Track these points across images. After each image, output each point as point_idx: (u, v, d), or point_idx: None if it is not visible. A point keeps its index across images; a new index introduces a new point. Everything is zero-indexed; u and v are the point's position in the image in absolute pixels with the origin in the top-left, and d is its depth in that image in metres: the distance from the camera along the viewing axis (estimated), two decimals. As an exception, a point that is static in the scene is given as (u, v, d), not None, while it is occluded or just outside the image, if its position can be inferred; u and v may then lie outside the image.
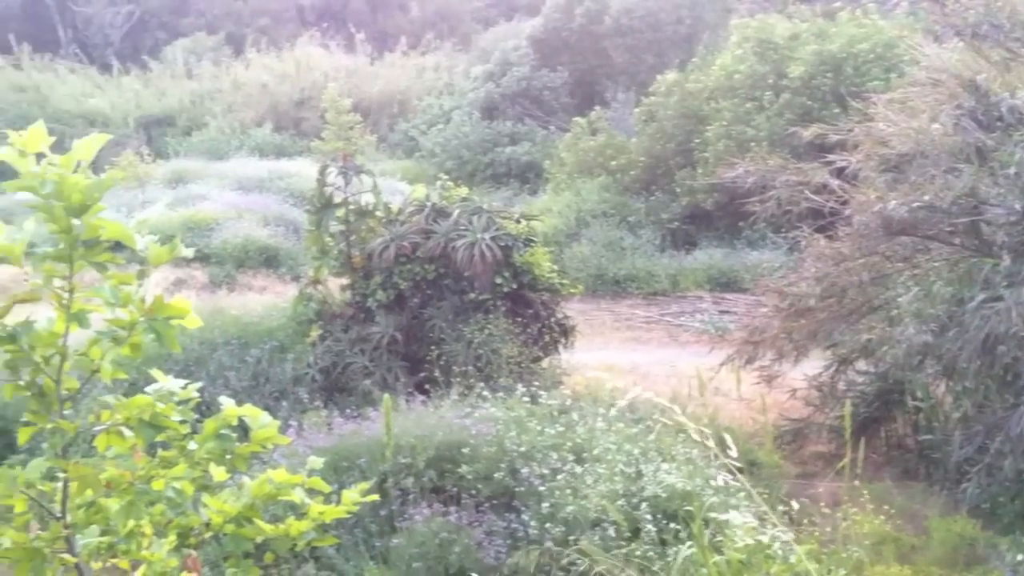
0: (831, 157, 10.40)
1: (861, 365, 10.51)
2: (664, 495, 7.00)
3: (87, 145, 2.89)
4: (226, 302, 12.86)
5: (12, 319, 2.99)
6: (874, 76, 18.04)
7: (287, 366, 10.40)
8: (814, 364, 10.63)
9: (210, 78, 39.37)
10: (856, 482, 7.36)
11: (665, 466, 7.26)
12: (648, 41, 30.28)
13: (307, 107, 35.08)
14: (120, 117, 35.39)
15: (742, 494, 5.45)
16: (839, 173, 10.26)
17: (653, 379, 12.52)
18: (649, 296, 18.00)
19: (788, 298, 10.14)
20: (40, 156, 2.89)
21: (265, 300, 13.64)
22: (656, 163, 21.10)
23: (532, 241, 10.90)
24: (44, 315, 3.07)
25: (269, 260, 19.19)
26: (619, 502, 6.91)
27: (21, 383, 2.99)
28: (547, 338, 10.92)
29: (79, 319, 2.93)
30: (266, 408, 3.48)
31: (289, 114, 35.42)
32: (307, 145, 30.04)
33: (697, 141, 20.19)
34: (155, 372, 3.28)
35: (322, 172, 10.94)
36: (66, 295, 2.92)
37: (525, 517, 7.19)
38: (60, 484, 3.07)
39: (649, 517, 6.76)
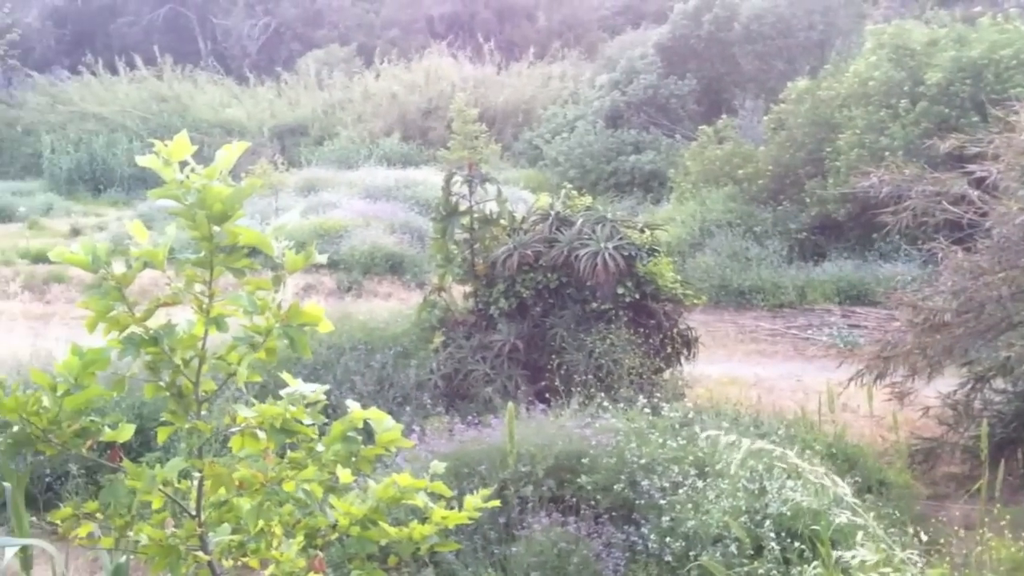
0: (970, 167, 10.02)
1: (999, 383, 10.08)
2: (789, 513, 6.85)
3: (229, 155, 3.00)
4: (353, 308, 13.12)
5: (153, 322, 3.12)
6: (1017, 83, 17.29)
7: (411, 372, 10.54)
8: (949, 381, 10.24)
9: (341, 88, 40.37)
10: (995, 506, 7.05)
11: (790, 483, 7.10)
12: (778, 48, 29.74)
13: (434, 117, 35.63)
14: (255, 126, 36.59)
15: (871, 515, 5.28)
16: (979, 184, 9.88)
17: (778, 393, 12.28)
18: (775, 308, 17.63)
19: (922, 312, 9.79)
20: (183, 164, 3.01)
21: (390, 306, 13.87)
22: (785, 172, 20.67)
23: (656, 251, 10.80)
24: (179, 318, 3.20)
25: (394, 267, 19.56)
26: (742, 519, 6.78)
27: (161, 384, 3.13)
28: (669, 349, 10.80)
29: (218, 323, 3.04)
30: (390, 412, 3.55)
31: (417, 124, 36.02)
32: (433, 154, 30.53)
33: (828, 150, 19.70)
34: (285, 376, 3.38)
35: (448, 180, 11.06)
36: (206, 300, 3.04)
37: (645, 530, 7.12)
38: (195, 483, 3.19)
39: (773, 535, 6.61)
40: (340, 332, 10.94)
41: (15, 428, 3.00)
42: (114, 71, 41.55)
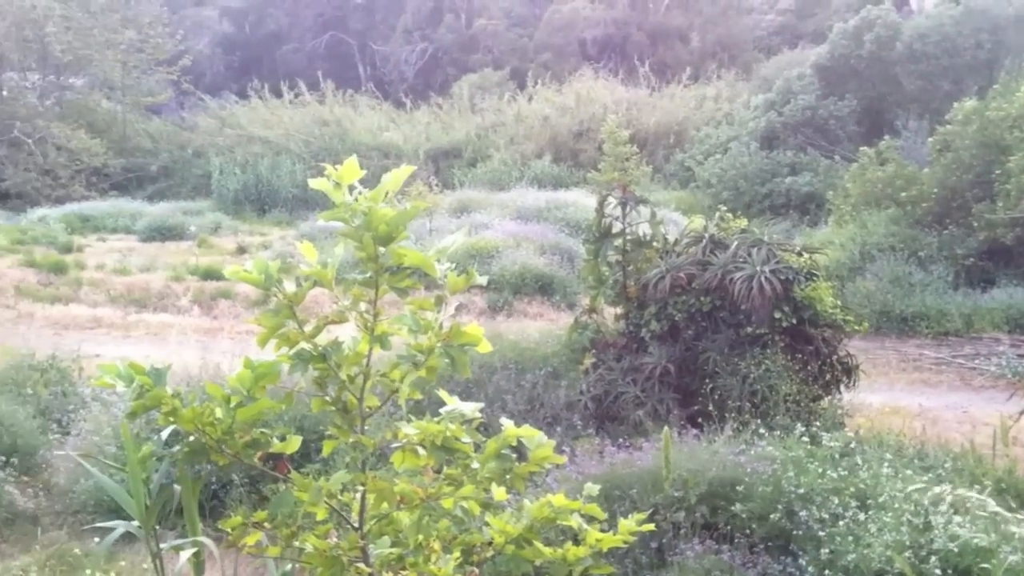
0: None
1: None
2: (956, 550, 6.53)
3: (394, 178, 3.08)
4: (503, 327, 13.25)
5: (320, 339, 3.22)
6: None
7: (560, 392, 10.55)
8: None
9: (494, 112, 40.98)
10: None
11: (957, 518, 6.77)
12: (943, 67, 28.66)
13: (585, 139, 35.78)
14: (411, 149, 37.45)
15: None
16: None
17: (943, 424, 11.74)
18: (939, 336, 16.92)
19: (1103, 344, 9.23)
20: (351, 187, 3.11)
21: (539, 326, 13.95)
22: (951, 195, 19.87)
23: (814, 275, 10.51)
24: (340, 335, 3.29)
25: (544, 288, 19.65)
26: (906, 553, 6.51)
27: (327, 399, 3.22)
28: (828, 376, 10.48)
29: (381, 341, 3.12)
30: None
31: (568, 146, 36.24)
32: (584, 176, 30.63)
33: (998, 172, 18.84)
34: (442, 394, 3.43)
35: (602, 203, 11.06)
36: (370, 318, 3.12)
37: (802, 562, 6.93)
38: (358, 496, 3.27)
39: (938, 572, 6.32)
40: (492, 351, 11.02)
41: (191, 438, 3.15)
42: (279, 96, 43.28)
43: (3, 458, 9.37)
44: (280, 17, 57.67)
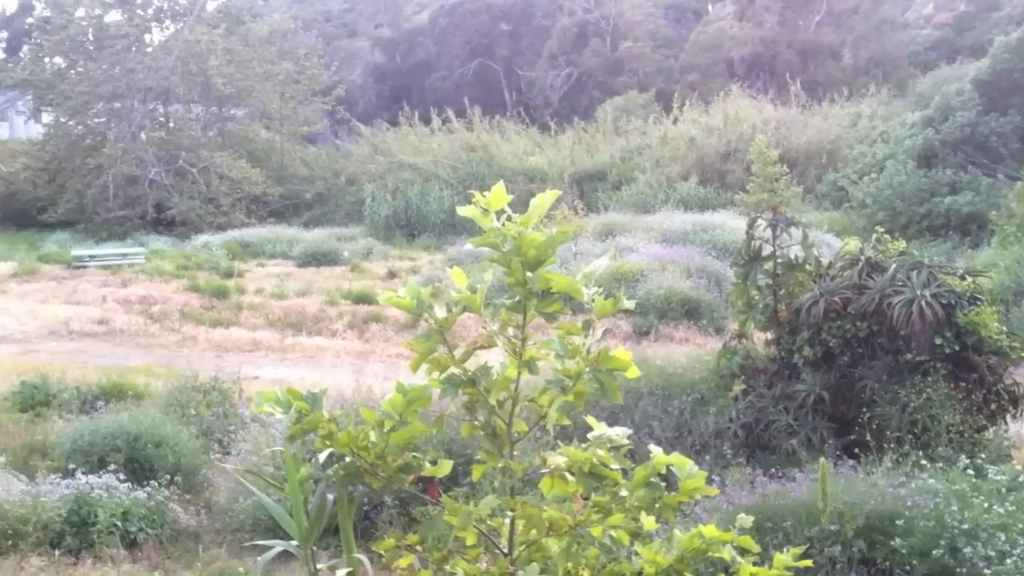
0: None
1: None
2: None
3: (541, 203, 3.09)
4: (650, 352, 13.10)
5: (469, 363, 3.25)
6: None
7: (709, 419, 10.35)
8: None
9: (639, 134, 40.85)
10: None
11: None
12: (1118, 78, 27.14)
13: (733, 159, 35.29)
14: (556, 173, 37.65)
15: None
16: None
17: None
18: (1116, 364, 15.89)
19: None
20: (500, 213, 3.13)
21: (686, 351, 13.73)
22: None
23: (978, 299, 10.04)
24: (487, 360, 3.30)
25: (690, 312, 19.37)
26: (1082, 597, 6.13)
27: (477, 423, 3.24)
28: (993, 406, 9.97)
29: (529, 366, 3.12)
30: (688, 460, 3.46)
31: (714, 167, 35.81)
32: (731, 197, 30.22)
33: None
34: (590, 419, 3.40)
35: (751, 225, 10.85)
36: (519, 343, 3.12)
37: (967, 601, 6.60)
38: (507, 521, 3.27)
39: (1119, 618, 5.92)
40: (638, 377, 10.90)
41: (347, 461, 3.21)
42: (428, 123, 44.23)
43: (168, 476, 9.77)
44: (429, 46, 59.06)
